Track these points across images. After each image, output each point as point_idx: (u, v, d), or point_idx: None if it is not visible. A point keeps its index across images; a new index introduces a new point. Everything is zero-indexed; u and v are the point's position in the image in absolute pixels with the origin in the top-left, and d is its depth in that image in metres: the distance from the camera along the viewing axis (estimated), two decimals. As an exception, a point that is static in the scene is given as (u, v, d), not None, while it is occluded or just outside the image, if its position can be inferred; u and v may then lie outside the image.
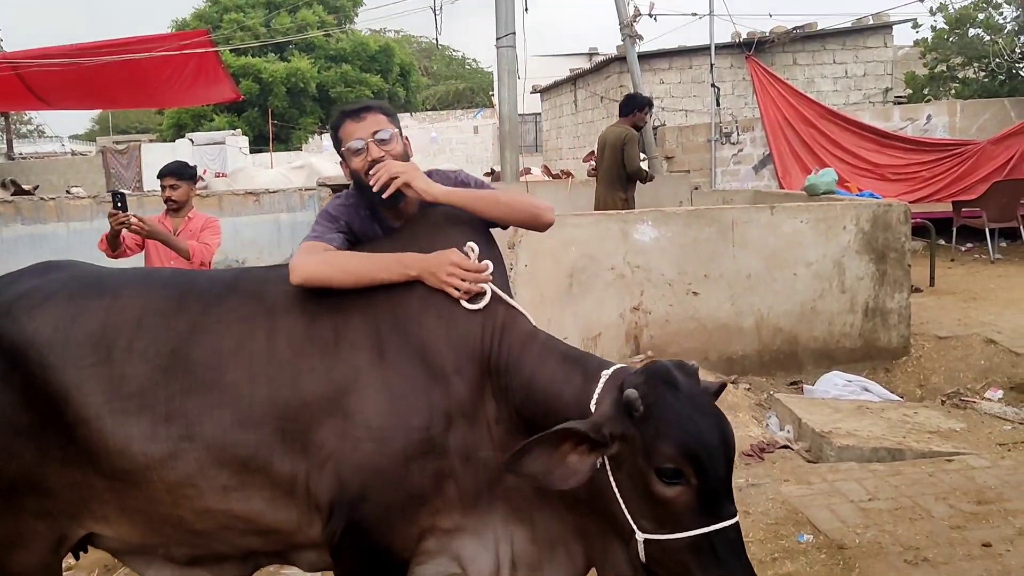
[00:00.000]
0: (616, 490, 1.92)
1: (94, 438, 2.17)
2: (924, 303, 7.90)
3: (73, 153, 34.51)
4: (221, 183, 14.01)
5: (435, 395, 2.16)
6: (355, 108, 2.44)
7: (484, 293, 2.23)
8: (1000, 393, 5.68)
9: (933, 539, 3.53)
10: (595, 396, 2.02)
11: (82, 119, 49.45)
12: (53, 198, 8.71)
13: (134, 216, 4.47)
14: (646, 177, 8.33)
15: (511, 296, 2.30)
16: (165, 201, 4.98)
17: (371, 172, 2.33)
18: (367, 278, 2.23)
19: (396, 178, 2.29)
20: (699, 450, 1.81)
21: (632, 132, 8.29)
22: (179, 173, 4.95)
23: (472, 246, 2.27)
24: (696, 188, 10.05)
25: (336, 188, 8.33)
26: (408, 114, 30.60)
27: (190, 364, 2.19)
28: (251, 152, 23.67)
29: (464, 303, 2.21)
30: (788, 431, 5.06)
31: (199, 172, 6.48)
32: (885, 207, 6.38)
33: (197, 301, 2.30)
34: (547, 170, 16.57)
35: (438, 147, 25.79)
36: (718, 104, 13.68)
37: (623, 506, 1.91)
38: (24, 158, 28.70)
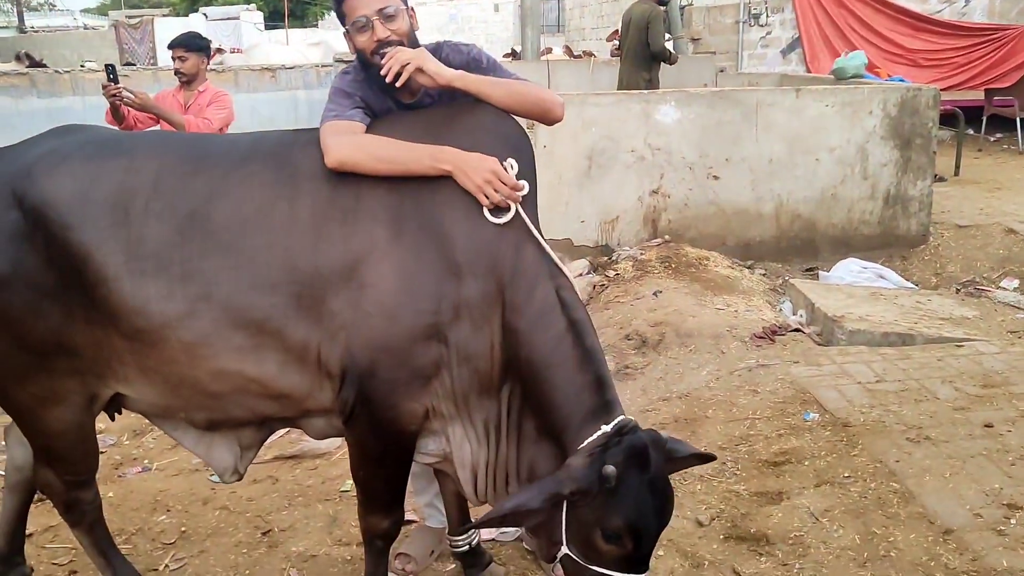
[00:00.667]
0: (563, 515, 2.06)
1: (113, 298, 2.21)
2: (947, 192, 7.80)
3: (85, 27, 33.84)
4: (237, 59, 13.77)
5: (446, 286, 2.17)
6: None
7: (509, 209, 2.20)
8: (1016, 283, 5.68)
9: (936, 419, 3.61)
10: (587, 441, 2.08)
11: (95, -8, 48.26)
12: (68, 71, 8.63)
13: (125, 89, 4.48)
14: (670, 58, 8.13)
15: (539, 230, 2.26)
16: (175, 73, 4.93)
17: (381, 60, 2.26)
18: (400, 168, 2.20)
19: (407, 65, 2.24)
20: (641, 531, 2.04)
21: (657, 10, 8.05)
22: (187, 44, 4.88)
23: (512, 163, 2.23)
24: (721, 70, 9.82)
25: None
26: (427, -9, 29.74)
27: (208, 226, 2.21)
28: (266, 28, 23.16)
29: (487, 213, 2.19)
30: (801, 315, 5.11)
31: (214, 47, 6.38)
32: (914, 91, 6.21)
33: (217, 164, 2.30)
34: (569, 50, 16.17)
35: (457, 26, 25.07)
36: (748, -17, 13.19)
37: (563, 525, 2.07)
38: (36, 32, 28.24)
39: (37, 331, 2.27)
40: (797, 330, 4.69)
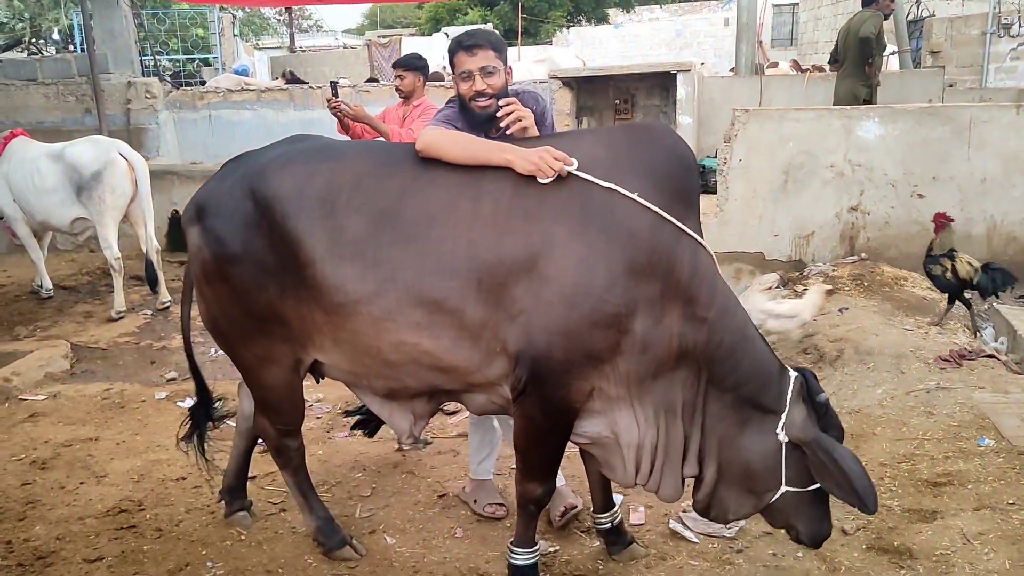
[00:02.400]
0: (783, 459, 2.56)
1: (318, 277, 2.65)
2: None
3: (344, 47, 37.05)
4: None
5: (630, 281, 2.47)
6: (469, 43, 2.83)
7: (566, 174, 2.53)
8: None
9: None
10: (789, 393, 2.56)
11: (355, 14, 52.65)
12: (320, 87, 9.73)
13: (343, 103, 5.13)
14: (871, 52, 7.73)
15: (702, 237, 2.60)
16: (395, 90, 5.54)
17: (476, 104, 2.82)
18: (472, 154, 2.63)
19: (520, 121, 2.78)
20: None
21: (877, 15, 7.77)
22: (406, 64, 5.47)
23: (575, 162, 2.56)
24: (951, 85, 9.26)
25: (566, 80, 8.59)
26: (658, 6, 29.83)
27: (398, 221, 2.60)
28: (501, 46, 24.24)
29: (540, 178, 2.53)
30: (1001, 342, 4.85)
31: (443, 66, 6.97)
32: None
33: (409, 168, 2.70)
34: (796, 65, 15.70)
35: (684, 41, 24.97)
36: (1000, -11, 12.22)
37: (783, 468, 2.57)
38: (303, 51, 31.39)
39: (260, 301, 2.76)
40: (991, 356, 4.47)
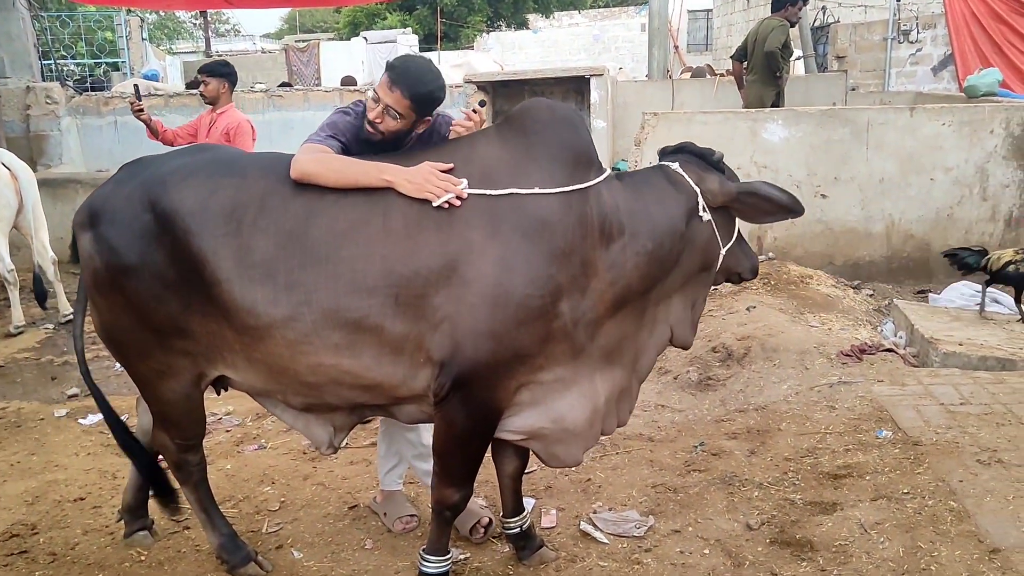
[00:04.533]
0: (715, 227, 2.76)
1: (226, 297, 2.57)
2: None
3: (262, 51, 36.43)
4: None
5: (551, 269, 2.49)
6: (395, 78, 2.70)
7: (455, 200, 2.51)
8: None
9: (1015, 443, 3.53)
10: (689, 179, 2.75)
11: (273, 19, 51.83)
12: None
13: (142, 105, 5.35)
14: (779, 65, 7.97)
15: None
16: (200, 95, 5.60)
17: (371, 129, 2.75)
18: (351, 180, 2.56)
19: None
20: None
21: (783, 23, 7.99)
22: (209, 71, 5.52)
23: (464, 181, 2.54)
24: (854, 88, 9.58)
25: (481, 85, 8.60)
26: (577, 11, 30.17)
27: (307, 242, 2.54)
28: (421, 51, 24.24)
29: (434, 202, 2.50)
30: (901, 337, 5.03)
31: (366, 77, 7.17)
32: (1042, 110, 5.96)
33: (313, 187, 2.61)
34: (711, 69, 16.07)
35: (602, 46, 25.36)
36: (898, -1, 12.74)
37: (717, 233, 2.77)
38: (220, 55, 30.75)
39: (159, 315, 2.66)
40: (890, 350, 4.63)
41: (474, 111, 2.91)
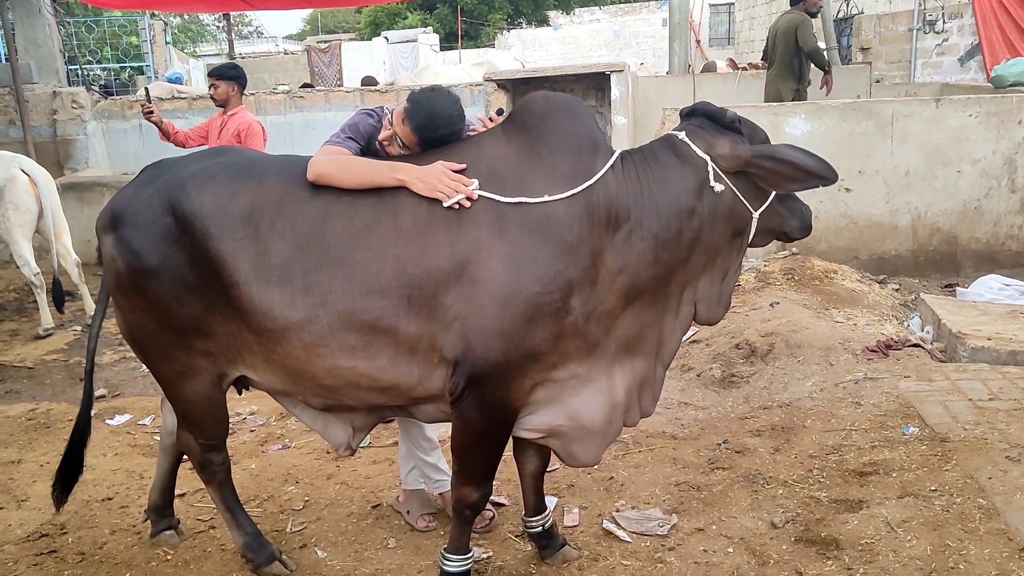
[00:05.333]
0: (737, 191, 2.58)
1: (244, 299, 2.60)
2: None
3: (285, 53, 36.67)
4: (407, 80, 14.67)
5: (559, 265, 2.47)
6: (414, 112, 2.74)
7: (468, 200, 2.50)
8: None
9: (1046, 439, 3.48)
10: (696, 148, 2.58)
11: (295, 20, 52.19)
12: (252, 94, 9.58)
13: (152, 108, 5.42)
14: (825, 61, 7.94)
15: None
16: (211, 98, 5.65)
17: (385, 148, 2.80)
18: (365, 180, 2.59)
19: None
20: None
21: (806, 17, 7.93)
22: (218, 74, 5.56)
23: (475, 182, 2.53)
24: (878, 81, 9.46)
25: (501, 83, 8.58)
26: (598, 7, 30.08)
27: (322, 244, 2.56)
28: (442, 50, 24.28)
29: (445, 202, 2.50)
30: (928, 332, 4.96)
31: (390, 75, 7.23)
32: (1073, 99, 5.85)
33: (329, 189, 2.63)
34: (732, 63, 15.95)
35: (623, 41, 25.25)
36: (924, -13, 12.56)
37: (743, 199, 2.59)
38: (243, 58, 30.98)
39: (180, 316, 2.70)
40: (916, 345, 4.57)
41: (491, 119, 2.90)
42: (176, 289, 2.67)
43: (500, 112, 2.96)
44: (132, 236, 2.70)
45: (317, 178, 2.62)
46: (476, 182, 2.53)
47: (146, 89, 5.71)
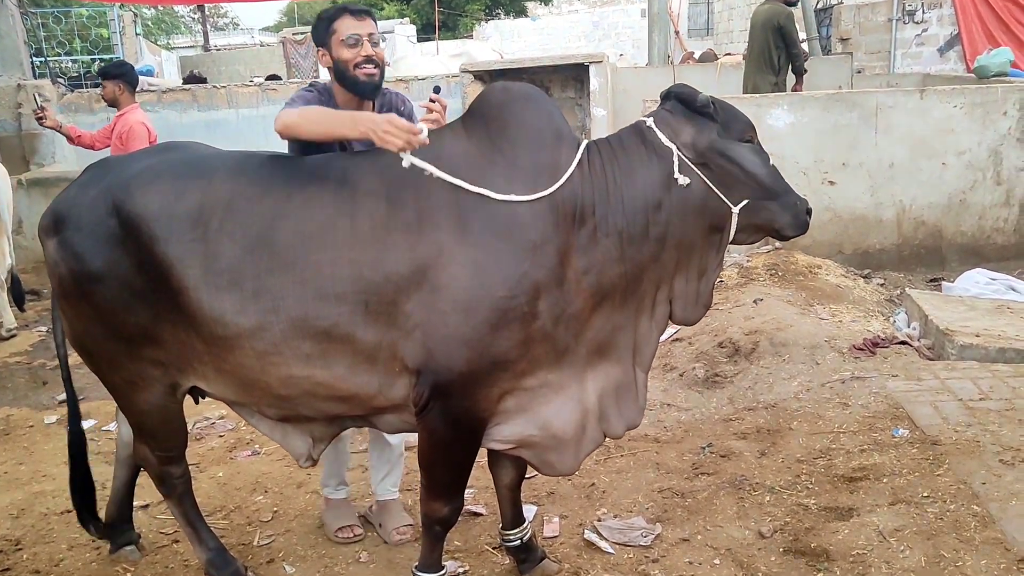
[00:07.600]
0: (710, 184, 2.41)
1: (193, 306, 2.44)
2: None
3: (260, 45, 36.20)
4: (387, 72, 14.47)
5: (524, 266, 2.32)
6: (357, 9, 2.72)
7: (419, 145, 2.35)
8: None
9: (1039, 441, 3.38)
10: (661, 138, 2.43)
11: (272, 11, 51.53)
12: (224, 86, 9.36)
13: (43, 113, 5.37)
14: (802, 65, 7.85)
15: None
16: (102, 98, 5.56)
17: (360, 71, 2.71)
18: (328, 128, 2.55)
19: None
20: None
21: (786, 10, 7.82)
22: (104, 73, 5.48)
23: (423, 126, 2.41)
24: (859, 71, 9.38)
25: (478, 74, 8.43)
26: (577, -2, 29.92)
27: (273, 246, 2.40)
28: (419, 41, 24.01)
29: (402, 155, 2.35)
30: (914, 328, 4.86)
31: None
32: (1058, 90, 5.78)
33: (282, 187, 2.48)
34: (712, 54, 15.87)
35: (602, 32, 25.11)
36: (903, -23, 12.50)
37: (718, 192, 2.41)
38: (218, 50, 30.54)
39: (127, 324, 2.54)
40: (904, 343, 4.47)
41: (431, 100, 2.80)
42: (123, 295, 2.52)
43: (437, 90, 2.82)
44: (76, 239, 2.54)
45: (283, 128, 2.59)
46: (424, 128, 2.39)
47: (35, 94, 5.61)
